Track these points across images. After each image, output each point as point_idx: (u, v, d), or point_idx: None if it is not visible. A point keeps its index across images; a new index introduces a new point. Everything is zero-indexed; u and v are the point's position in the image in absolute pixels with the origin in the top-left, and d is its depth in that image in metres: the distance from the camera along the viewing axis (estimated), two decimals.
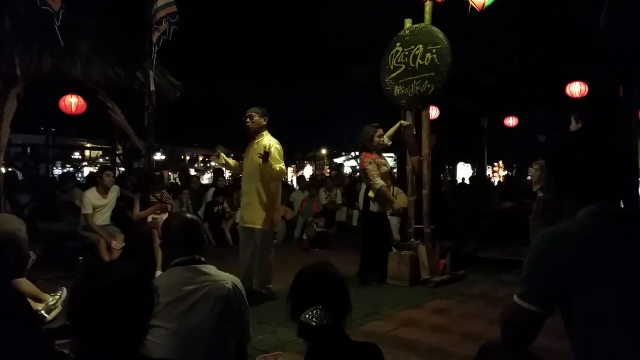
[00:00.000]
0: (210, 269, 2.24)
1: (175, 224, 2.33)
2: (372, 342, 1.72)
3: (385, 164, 5.40)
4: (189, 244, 2.24)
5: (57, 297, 4.07)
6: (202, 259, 2.27)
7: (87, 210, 5.92)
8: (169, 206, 6.34)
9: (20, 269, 2.20)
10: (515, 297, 1.47)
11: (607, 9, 4.68)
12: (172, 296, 2.07)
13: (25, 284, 3.73)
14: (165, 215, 5.77)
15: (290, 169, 25.78)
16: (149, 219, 6.19)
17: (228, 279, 2.23)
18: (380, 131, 5.36)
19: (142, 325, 1.43)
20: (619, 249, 1.36)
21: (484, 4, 5.40)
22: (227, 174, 10.53)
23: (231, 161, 5.03)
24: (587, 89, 7.35)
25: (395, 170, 9.41)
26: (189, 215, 2.51)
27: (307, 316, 1.53)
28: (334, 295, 1.60)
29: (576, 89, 7.41)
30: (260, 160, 4.44)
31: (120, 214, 6.41)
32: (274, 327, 3.78)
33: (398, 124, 5.53)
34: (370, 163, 5.27)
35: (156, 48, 5.93)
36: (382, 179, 5.23)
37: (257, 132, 4.77)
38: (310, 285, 1.62)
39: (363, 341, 1.69)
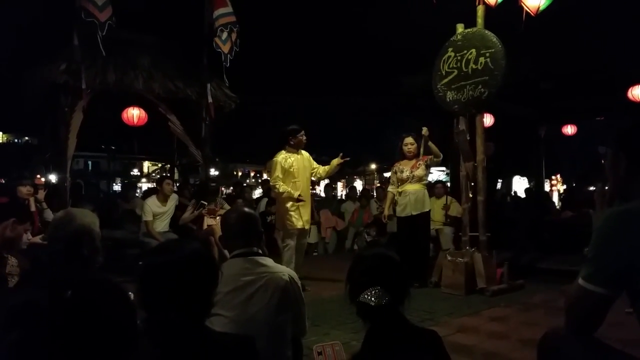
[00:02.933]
0: (268, 261, 2.29)
1: (233, 217, 2.39)
2: (431, 329, 1.70)
3: (403, 171, 5.61)
4: (247, 237, 2.28)
5: None
6: (260, 251, 2.32)
7: (148, 217, 6.17)
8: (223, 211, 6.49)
9: (93, 262, 2.32)
10: (580, 280, 1.41)
11: None
12: (231, 286, 2.13)
13: None
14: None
15: (340, 184, 25.86)
16: (205, 225, 6.36)
17: (285, 271, 2.27)
18: (407, 140, 5.65)
19: (207, 298, 1.48)
20: None
21: (538, 7, 5.28)
22: None
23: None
24: None
25: (448, 183, 9.28)
26: (246, 209, 2.56)
27: (365, 296, 1.53)
28: (392, 276, 1.59)
29: None
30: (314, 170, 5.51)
31: (178, 222, 6.64)
32: (327, 330, 3.79)
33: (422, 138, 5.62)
34: (392, 171, 5.87)
35: (229, 57, 6.17)
36: (400, 183, 5.64)
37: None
38: (368, 266, 1.63)
39: (422, 327, 1.67)
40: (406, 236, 5.57)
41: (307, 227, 5.47)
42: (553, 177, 21.20)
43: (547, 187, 15.98)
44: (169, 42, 7.35)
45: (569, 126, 10.38)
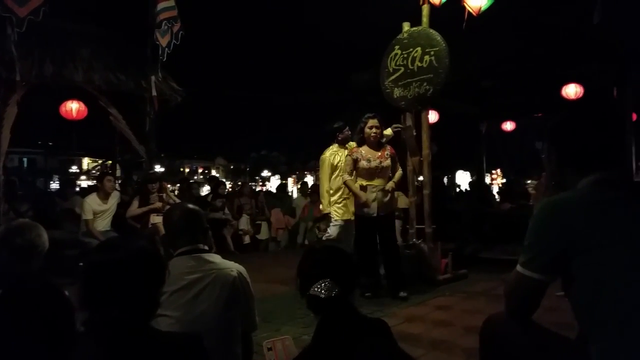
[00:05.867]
0: (215, 257, 2.25)
1: (177, 214, 2.33)
2: (380, 318, 1.74)
3: (369, 160, 4.70)
4: (192, 234, 2.23)
5: None
6: (206, 247, 2.28)
7: (88, 216, 5.91)
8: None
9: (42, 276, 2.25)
10: (518, 267, 1.49)
11: (600, 7, 4.76)
12: (176, 285, 2.07)
13: None
14: None
15: (290, 180, 25.87)
16: (149, 224, 6.15)
17: (233, 267, 2.24)
18: (372, 122, 4.75)
19: (153, 298, 1.44)
20: (618, 214, 1.38)
21: (480, 8, 5.50)
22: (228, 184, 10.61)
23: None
24: (582, 91, 7.44)
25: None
26: (190, 205, 2.51)
27: (315, 289, 1.54)
28: (341, 268, 1.62)
29: (571, 90, 7.51)
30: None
31: (120, 221, 6.40)
32: (278, 326, 3.80)
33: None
34: (348, 156, 4.87)
35: (167, 51, 6.01)
36: (363, 175, 4.73)
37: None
38: (318, 260, 1.65)
39: (371, 317, 1.71)
40: (368, 239, 4.80)
41: (351, 218, 5.17)
42: (493, 171, 22.17)
43: (487, 181, 16.68)
44: (111, 32, 7.05)
45: (508, 123, 10.90)
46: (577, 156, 1.52)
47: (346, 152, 5.19)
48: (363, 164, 4.70)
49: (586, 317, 1.39)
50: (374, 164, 4.69)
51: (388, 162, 4.74)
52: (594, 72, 6.87)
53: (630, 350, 1.28)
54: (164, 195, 6.29)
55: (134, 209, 6.08)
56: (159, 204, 5.99)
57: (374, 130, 4.73)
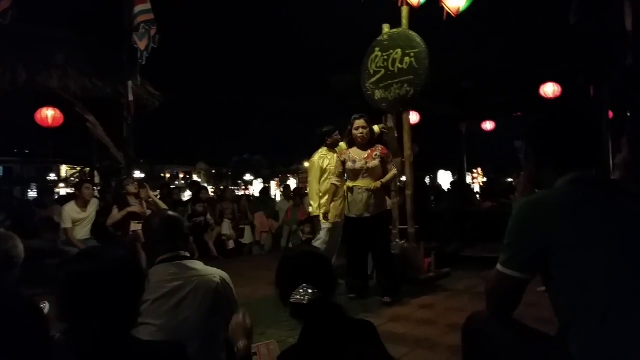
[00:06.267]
0: (197, 264, 2.23)
1: (157, 221, 2.31)
2: (366, 320, 1.73)
3: (355, 161, 4.68)
4: (172, 240, 2.21)
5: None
6: (188, 254, 2.25)
7: (67, 224, 5.82)
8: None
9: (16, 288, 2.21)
10: (498, 266, 1.50)
11: (576, 7, 4.86)
12: (158, 293, 2.05)
13: None
14: None
15: (273, 183, 25.79)
16: (130, 232, 6.04)
17: (216, 273, 2.22)
18: (358, 122, 4.70)
19: (133, 308, 1.42)
20: (595, 212, 1.39)
21: (458, 9, 5.54)
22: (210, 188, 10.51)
23: None
24: (560, 90, 7.56)
25: None
26: (170, 212, 2.50)
27: (296, 296, 1.53)
28: (319, 271, 1.61)
29: (550, 89, 7.62)
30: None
31: (100, 228, 6.29)
32: (262, 330, 3.76)
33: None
34: (338, 158, 4.93)
35: (146, 55, 5.93)
36: (350, 176, 4.76)
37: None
38: (294, 266, 1.64)
39: (357, 319, 1.71)
40: (356, 241, 4.76)
41: (339, 220, 5.10)
42: (474, 171, 22.43)
43: (469, 180, 16.87)
44: (86, 37, 6.94)
45: (487, 122, 11.05)
46: (555, 156, 1.54)
47: (335, 155, 5.19)
48: (349, 165, 4.69)
49: (565, 313, 1.41)
50: (359, 165, 4.65)
51: (375, 162, 4.64)
52: (572, 71, 6.99)
53: (607, 347, 1.30)
54: (146, 196, 6.17)
55: (115, 214, 5.99)
56: (138, 208, 5.88)
57: (360, 130, 4.68)
